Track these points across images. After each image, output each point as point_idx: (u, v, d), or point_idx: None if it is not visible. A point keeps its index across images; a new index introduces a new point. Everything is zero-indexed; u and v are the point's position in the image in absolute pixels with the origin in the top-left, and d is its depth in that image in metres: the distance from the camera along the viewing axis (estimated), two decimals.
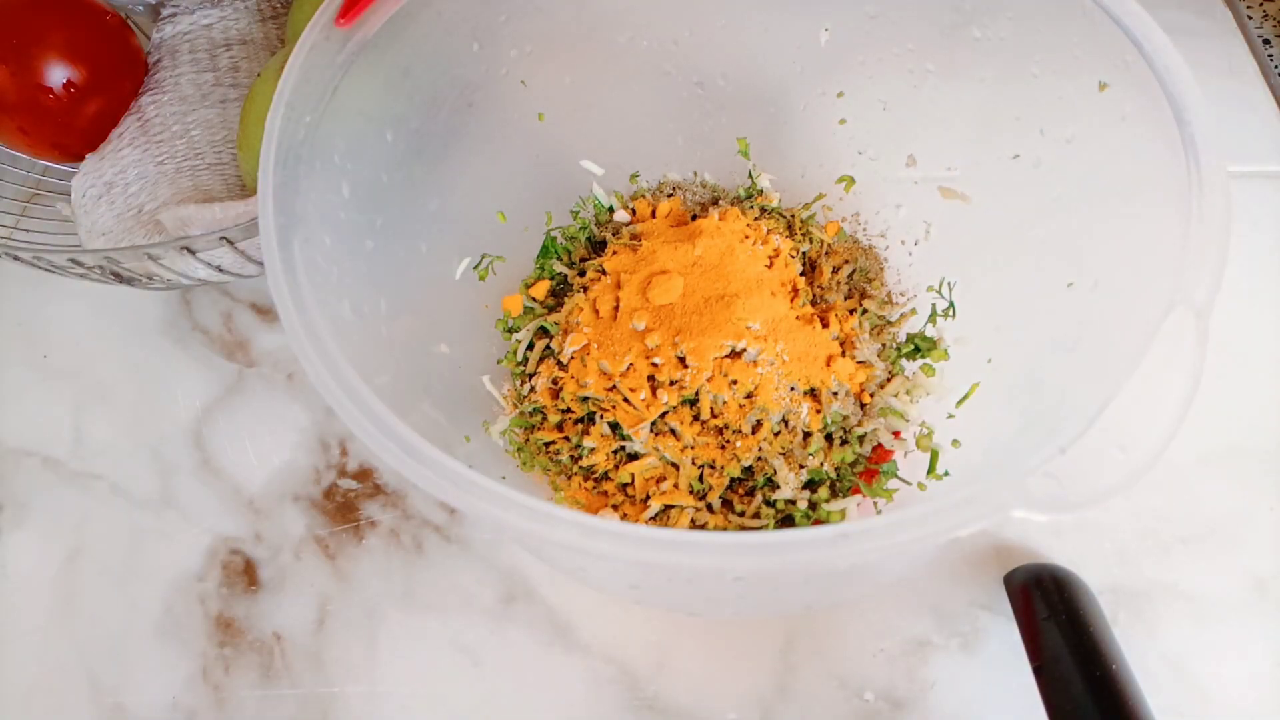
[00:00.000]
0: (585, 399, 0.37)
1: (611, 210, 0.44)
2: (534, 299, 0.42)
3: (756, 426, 0.36)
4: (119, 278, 0.41)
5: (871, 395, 0.39)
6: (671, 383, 0.36)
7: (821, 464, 0.37)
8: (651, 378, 0.36)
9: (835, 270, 0.42)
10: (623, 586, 0.36)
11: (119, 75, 0.47)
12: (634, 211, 0.44)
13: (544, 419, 0.39)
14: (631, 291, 0.37)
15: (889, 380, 0.39)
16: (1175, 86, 0.27)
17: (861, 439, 0.38)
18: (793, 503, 0.36)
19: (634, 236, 0.41)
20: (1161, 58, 0.28)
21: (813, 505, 0.36)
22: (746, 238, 0.40)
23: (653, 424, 0.36)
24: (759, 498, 0.36)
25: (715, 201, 0.45)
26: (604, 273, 0.39)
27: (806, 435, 0.37)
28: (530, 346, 0.40)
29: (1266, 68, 0.53)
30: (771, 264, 0.39)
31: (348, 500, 0.43)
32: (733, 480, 0.36)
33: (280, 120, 0.29)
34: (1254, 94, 0.52)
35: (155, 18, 0.51)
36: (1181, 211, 0.26)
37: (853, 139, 0.42)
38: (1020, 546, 0.39)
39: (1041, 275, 0.35)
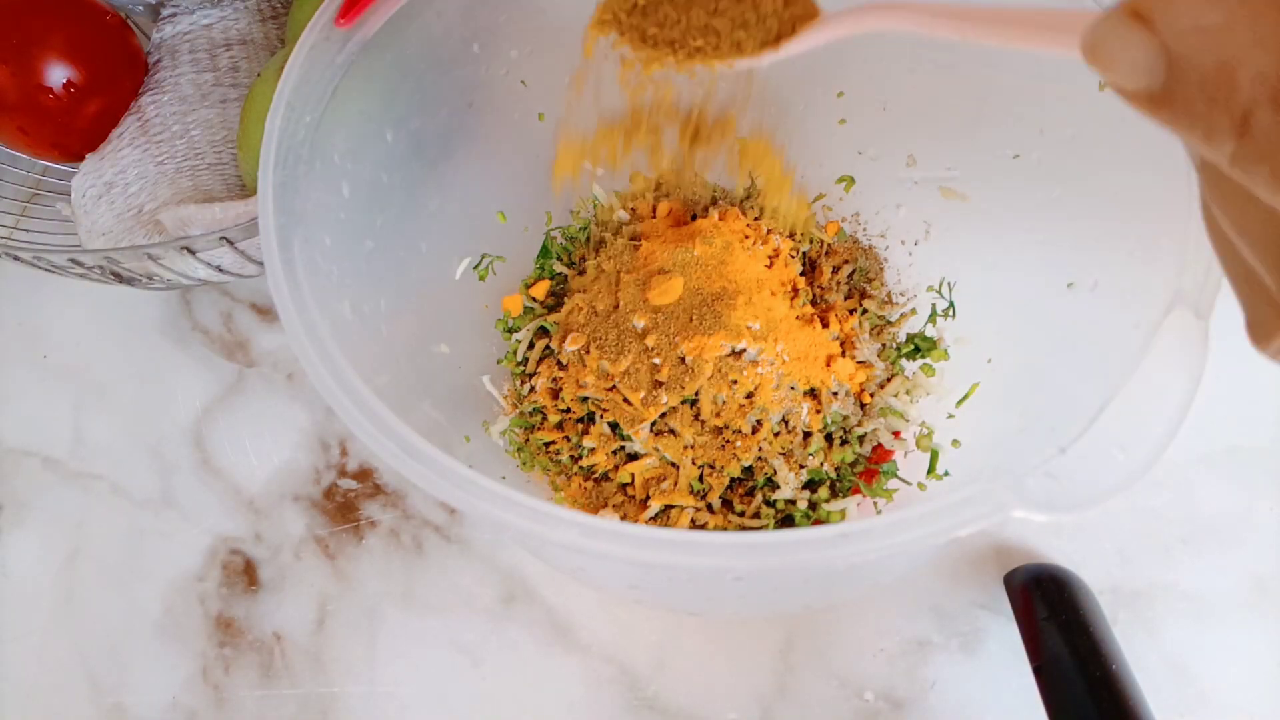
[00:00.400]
0: (585, 399, 0.37)
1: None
2: (534, 299, 0.42)
3: (756, 426, 0.36)
4: (119, 278, 0.41)
5: (871, 395, 0.39)
6: (671, 383, 0.36)
7: (821, 464, 0.37)
8: (651, 378, 0.36)
9: (835, 270, 0.42)
10: (623, 586, 0.36)
11: (119, 75, 0.47)
12: (634, 211, 0.44)
13: (544, 419, 0.39)
14: (631, 291, 0.37)
15: (889, 380, 0.39)
16: None
17: (861, 439, 0.38)
18: (793, 503, 0.36)
19: (634, 236, 0.41)
20: None
21: (813, 505, 0.36)
22: (746, 237, 0.40)
23: (653, 424, 0.36)
24: (759, 498, 0.36)
25: (715, 201, 0.45)
26: (604, 273, 0.39)
27: (806, 435, 0.37)
28: (530, 346, 0.40)
29: None
30: (771, 264, 0.39)
31: (348, 500, 0.43)
32: (733, 480, 0.36)
33: (280, 120, 0.29)
34: None
35: (155, 18, 0.51)
36: (1181, 211, 0.26)
37: (852, 139, 0.42)
38: (1020, 546, 0.39)
39: (1041, 275, 0.34)
